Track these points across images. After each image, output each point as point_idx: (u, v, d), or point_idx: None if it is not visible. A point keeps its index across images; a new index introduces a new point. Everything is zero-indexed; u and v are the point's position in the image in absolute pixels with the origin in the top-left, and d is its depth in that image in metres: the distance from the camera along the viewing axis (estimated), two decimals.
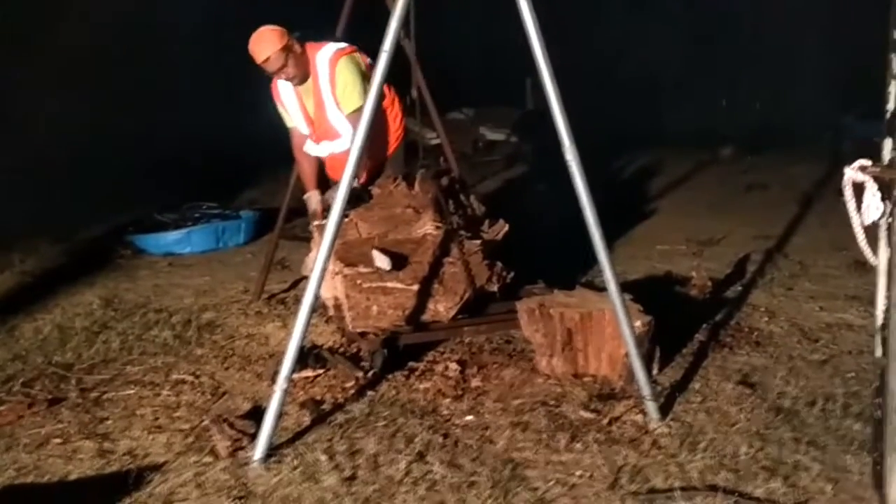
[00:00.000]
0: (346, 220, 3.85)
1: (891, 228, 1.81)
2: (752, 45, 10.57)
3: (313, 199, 4.27)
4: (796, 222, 6.04)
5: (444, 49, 9.26)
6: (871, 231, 1.90)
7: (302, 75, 4.06)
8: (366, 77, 4.01)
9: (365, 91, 3.92)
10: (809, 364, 3.60)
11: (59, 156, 6.73)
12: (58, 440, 3.06)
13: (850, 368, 3.52)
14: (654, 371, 3.45)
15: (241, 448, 2.94)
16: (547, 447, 2.93)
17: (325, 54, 4.07)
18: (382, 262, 3.65)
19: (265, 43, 3.93)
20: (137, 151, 7.35)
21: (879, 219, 1.81)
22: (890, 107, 1.78)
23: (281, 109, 4.29)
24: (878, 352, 1.88)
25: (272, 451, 2.88)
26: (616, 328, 3.18)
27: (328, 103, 4.11)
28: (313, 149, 4.28)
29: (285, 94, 4.21)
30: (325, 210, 4.01)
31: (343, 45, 4.13)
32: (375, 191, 4.04)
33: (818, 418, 3.08)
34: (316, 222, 4.12)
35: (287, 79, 4.04)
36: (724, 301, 4.42)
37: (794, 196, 6.77)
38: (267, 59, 3.93)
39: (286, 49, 3.95)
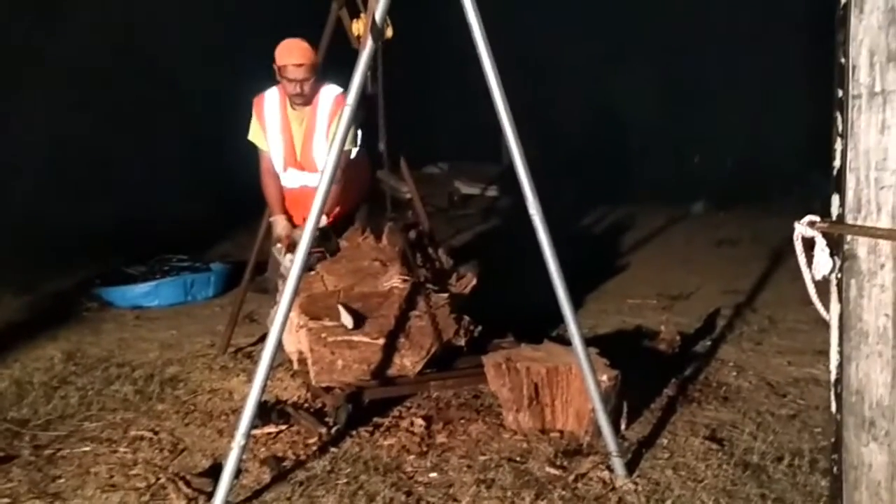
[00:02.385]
0: (312, 273, 3.84)
1: (840, 284, 1.82)
2: (725, 100, 10.80)
3: (280, 222, 4.23)
4: (766, 277, 6.09)
5: (421, 104, 9.41)
6: (824, 285, 1.91)
7: (309, 99, 4.10)
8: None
9: (356, 137, 4.04)
10: (777, 419, 3.59)
11: (27, 204, 6.68)
12: (6, 500, 2.95)
13: (817, 423, 3.51)
14: (622, 426, 3.43)
15: None
16: None
17: (332, 90, 4.12)
18: (346, 319, 3.62)
19: (306, 50, 4.00)
20: (110, 201, 7.32)
21: (829, 274, 1.83)
22: (836, 164, 1.81)
23: (257, 126, 4.24)
24: (833, 407, 1.87)
25: None
26: (582, 383, 3.16)
27: (318, 135, 4.12)
28: (285, 179, 4.27)
29: (269, 111, 4.19)
30: (291, 246, 3.99)
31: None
32: (343, 243, 4.04)
33: (785, 474, 3.06)
34: (279, 245, 4.10)
35: (300, 93, 4.05)
36: (692, 356, 4.41)
37: (764, 251, 6.83)
38: (301, 65, 3.97)
39: (315, 66, 4.02)
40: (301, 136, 4.17)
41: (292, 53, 3.99)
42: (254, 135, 4.27)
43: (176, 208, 7.44)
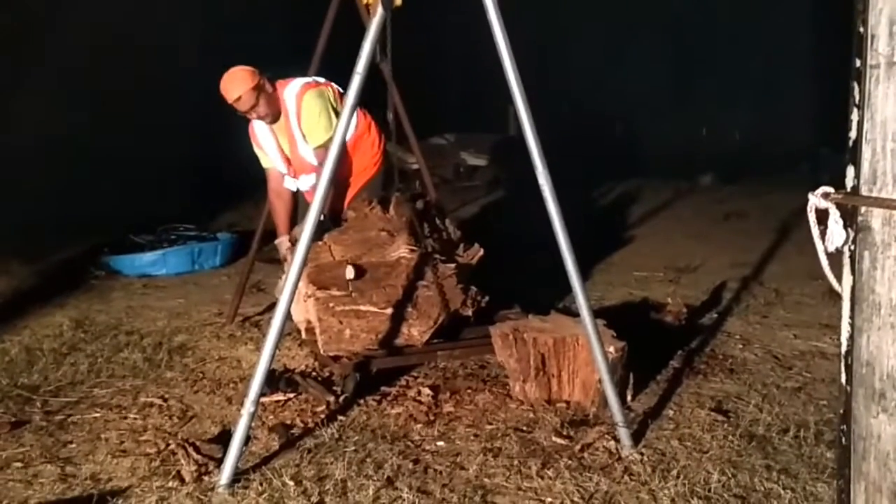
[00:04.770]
0: (320, 243, 3.84)
1: (853, 255, 1.81)
2: (732, 75, 10.73)
3: (284, 244, 4.26)
4: (773, 250, 6.08)
5: (427, 74, 9.34)
6: (837, 258, 1.90)
7: (274, 114, 4.09)
8: (335, 110, 4.05)
9: (332, 124, 3.95)
10: (783, 391, 3.60)
11: (36, 172, 6.68)
12: (19, 464, 2.99)
13: (823, 396, 3.52)
14: (628, 397, 3.44)
15: (207, 473, 2.88)
16: (518, 473, 2.90)
17: (292, 90, 4.10)
18: (349, 272, 3.62)
19: (237, 82, 3.97)
20: (122, 169, 7.31)
21: (843, 245, 1.82)
22: (852, 135, 1.79)
23: (258, 150, 4.30)
24: (843, 378, 1.87)
25: (238, 476, 2.83)
26: (589, 354, 3.17)
27: (298, 139, 4.13)
28: (293, 183, 4.28)
29: (262, 135, 4.23)
30: (294, 244, 4.01)
31: (309, 79, 4.15)
32: (350, 214, 4.03)
33: (791, 446, 3.07)
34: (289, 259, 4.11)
35: (259, 117, 4.08)
36: (699, 328, 4.42)
37: (772, 225, 6.83)
38: (238, 99, 3.97)
39: (257, 88, 3.98)
40: (288, 146, 4.20)
41: (227, 92, 3.98)
42: (261, 160, 4.32)
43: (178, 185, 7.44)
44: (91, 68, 7.52)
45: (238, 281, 4.73)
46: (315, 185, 4.16)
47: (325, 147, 3.64)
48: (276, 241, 4.34)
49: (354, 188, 4.26)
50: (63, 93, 7.28)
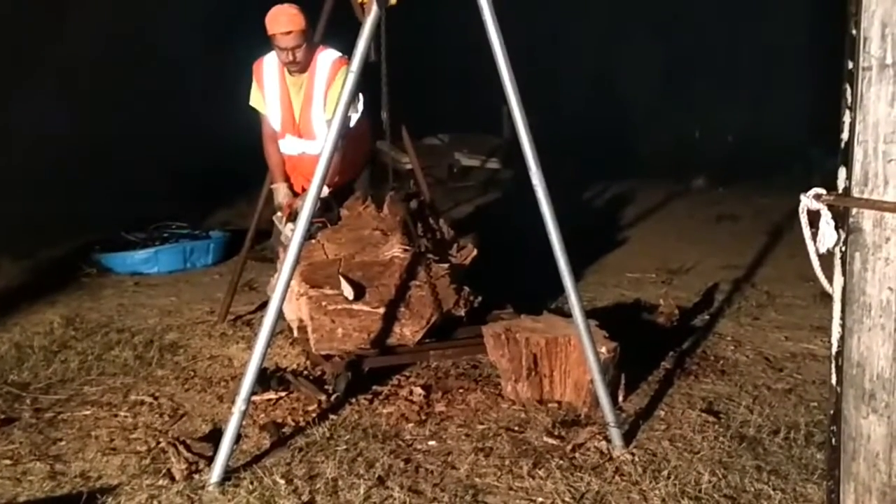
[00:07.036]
0: (313, 242, 3.83)
1: (844, 257, 1.82)
2: (726, 76, 10.74)
3: (281, 190, 4.23)
4: (765, 253, 6.09)
5: (423, 74, 9.33)
6: (828, 259, 1.91)
7: (304, 66, 4.05)
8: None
9: (355, 104, 3.97)
10: (774, 393, 3.62)
11: (28, 168, 6.64)
12: (8, 461, 2.98)
13: (814, 398, 3.54)
14: (620, 398, 3.45)
15: (198, 471, 2.88)
16: (510, 473, 2.90)
17: (329, 55, 4.08)
18: (347, 291, 3.62)
19: (293, 17, 3.93)
20: (115, 168, 7.28)
21: (834, 247, 1.83)
22: (844, 136, 1.80)
23: (256, 90, 4.22)
24: (833, 379, 1.88)
25: (229, 474, 2.83)
26: (581, 354, 3.17)
27: (317, 102, 4.10)
28: (284, 146, 4.26)
29: (268, 77, 4.17)
30: (292, 216, 4.01)
31: (344, 55, 4.14)
32: (344, 212, 4.03)
33: (781, 447, 3.08)
34: (279, 214, 4.11)
35: (292, 61, 4.00)
36: (690, 329, 4.43)
37: (764, 227, 6.83)
38: (289, 33, 3.91)
39: (307, 33, 3.96)
40: (300, 104, 4.14)
41: (279, 21, 3.92)
42: (254, 100, 4.25)
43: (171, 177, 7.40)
44: (90, 69, 7.51)
45: (230, 279, 4.71)
46: (305, 154, 4.16)
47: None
48: (273, 186, 4.29)
49: (341, 177, 4.24)
50: (61, 92, 7.25)
